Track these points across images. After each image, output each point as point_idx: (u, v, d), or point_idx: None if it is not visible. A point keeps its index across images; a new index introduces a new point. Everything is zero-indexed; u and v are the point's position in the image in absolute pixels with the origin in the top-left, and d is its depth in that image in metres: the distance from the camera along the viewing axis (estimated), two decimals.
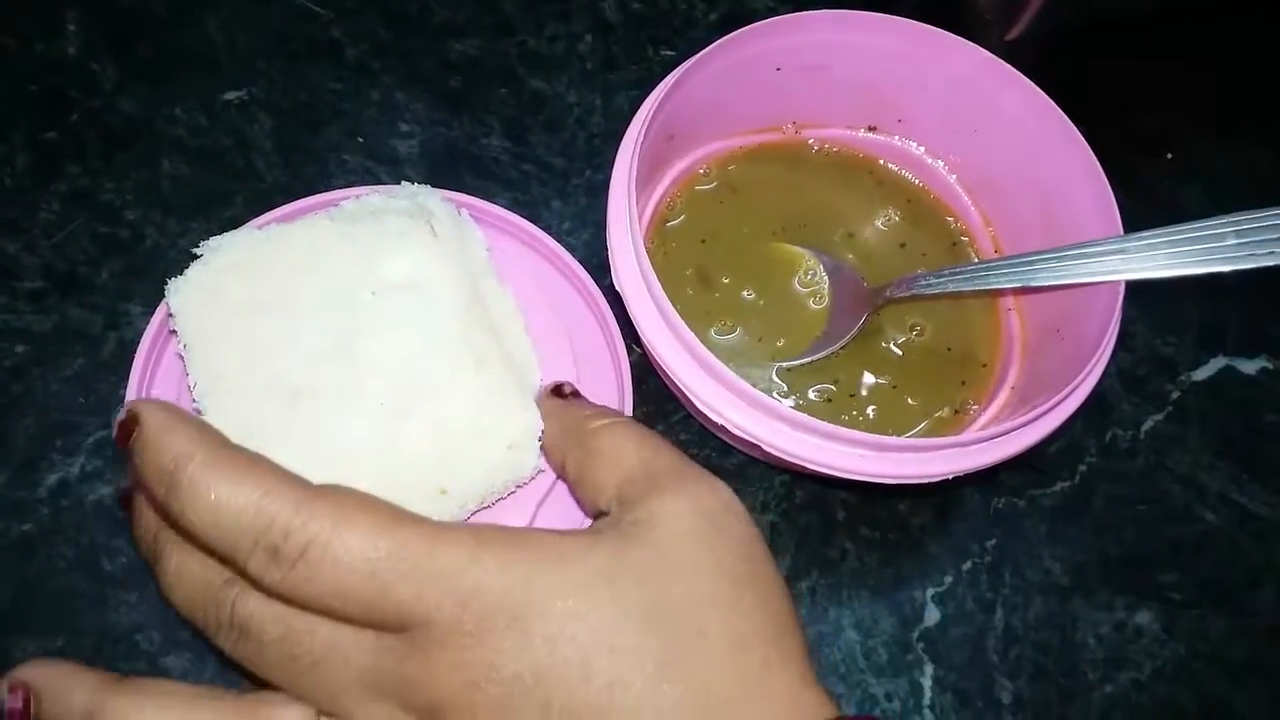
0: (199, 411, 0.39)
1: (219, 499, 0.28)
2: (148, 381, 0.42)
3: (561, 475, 0.37)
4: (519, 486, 0.40)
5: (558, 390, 0.38)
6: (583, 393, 0.43)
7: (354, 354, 0.39)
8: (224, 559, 0.29)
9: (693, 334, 0.36)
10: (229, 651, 0.30)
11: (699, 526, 0.30)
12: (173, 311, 0.39)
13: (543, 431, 0.38)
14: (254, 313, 0.40)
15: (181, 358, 0.40)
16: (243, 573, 0.28)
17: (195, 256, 0.43)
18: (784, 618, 0.29)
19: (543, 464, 0.40)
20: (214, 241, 0.41)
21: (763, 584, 0.29)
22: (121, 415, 0.30)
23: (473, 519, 0.40)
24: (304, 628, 0.28)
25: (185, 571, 0.31)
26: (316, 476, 0.37)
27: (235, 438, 0.37)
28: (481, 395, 0.39)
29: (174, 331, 0.40)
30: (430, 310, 0.40)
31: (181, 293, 0.40)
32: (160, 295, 0.43)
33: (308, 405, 0.38)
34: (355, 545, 0.27)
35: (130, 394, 0.41)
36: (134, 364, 0.41)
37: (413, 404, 0.39)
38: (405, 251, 0.41)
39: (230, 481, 0.28)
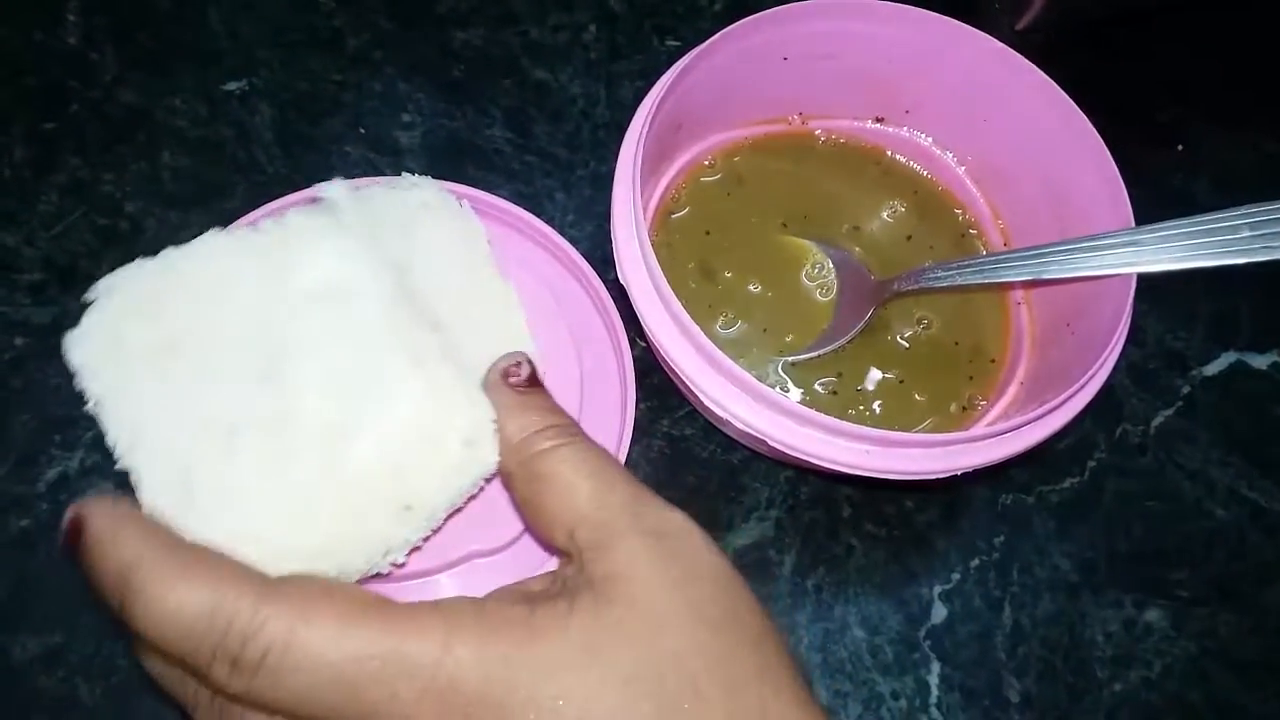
0: (125, 470, 0.34)
1: (169, 609, 0.26)
2: None
3: (506, 484, 0.34)
4: (487, 482, 0.38)
5: (509, 376, 0.34)
6: (586, 384, 0.43)
7: (283, 378, 0.36)
8: (186, 668, 0.27)
9: (698, 328, 0.35)
10: None
11: (668, 573, 0.28)
12: (74, 368, 0.35)
13: (494, 423, 0.35)
14: (165, 353, 0.36)
15: (93, 416, 0.35)
16: (206, 681, 0.27)
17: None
18: (767, 649, 0.28)
19: None
20: (104, 283, 0.37)
21: (740, 619, 0.28)
22: (66, 520, 0.28)
23: (462, 530, 0.39)
24: None
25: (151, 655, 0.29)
26: (269, 520, 0.34)
27: (172, 493, 0.33)
28: (424, 396, 0.36)
29: (79, 391, 0.36)
30: (354, 316, 0.37)
31: (80, 345, 0.35)
32: None
33: (246, 442, 0.35)
34: (316, 647, 0.25)
35: None
36: None
37: (356, 420, 0.35)
38: (315, 256, 0.37)
39: (181, 587, 0.26)
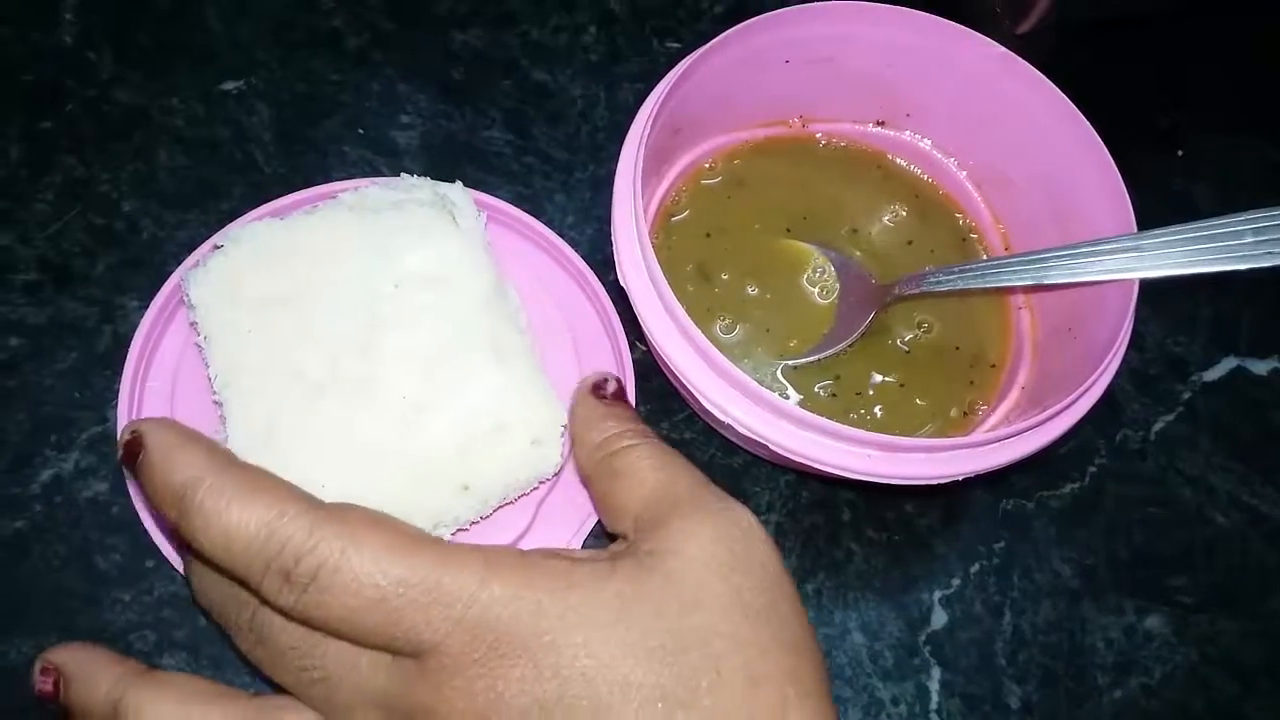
0: (219, 404, 0.38)
1: (229, 524, 0.28)
2: (141, 376, 0.41)
3: (585, 484, 0.37)
4: (541, 483, 0.40)
5: (598, 390, 0.37)
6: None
7: (376, 348, 0.39)
8: (238, 580, 0.29)
9: (699, 330, 0.35)
10: (246, 652, 0.30)
11: (716, 556, 0.29)
12: (192, 303, 0.39)
13: (564, 428, 0.38)
14: (275, 306, 0.40)
15: (199, 347, 0.39)
16: (257, 593, 0.28)
17: (202, 245, 0.43)
18: (803, 651, 0.28)
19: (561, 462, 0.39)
20: (234, 232, 0.41)
21: (781, 616, 0.29)
22: (125, 435, 0.30)
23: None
24: (317, 644, 0.28)
25: (210, 572, 0.31)
26: (338, 472, 0.37)
27: (256, 432, 0.37)
28: (505, 390, 0.39)
29: (193, 323, 0.40)
30: (453, 303, 0.40)
31: (201, 284, 0.40)
32: (156, 288, 0.42)
33: (329, 400, 0.38)
34: (364, 570, 0.27)
35: (124, 389, 0.40)
36: (127, 359, 0.41)
37: (435, 399, 0.39)
38: (428, 244, 0.41)
39: (240, 505, 0.28)
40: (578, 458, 0.37)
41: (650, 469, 0.33)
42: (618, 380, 0.38)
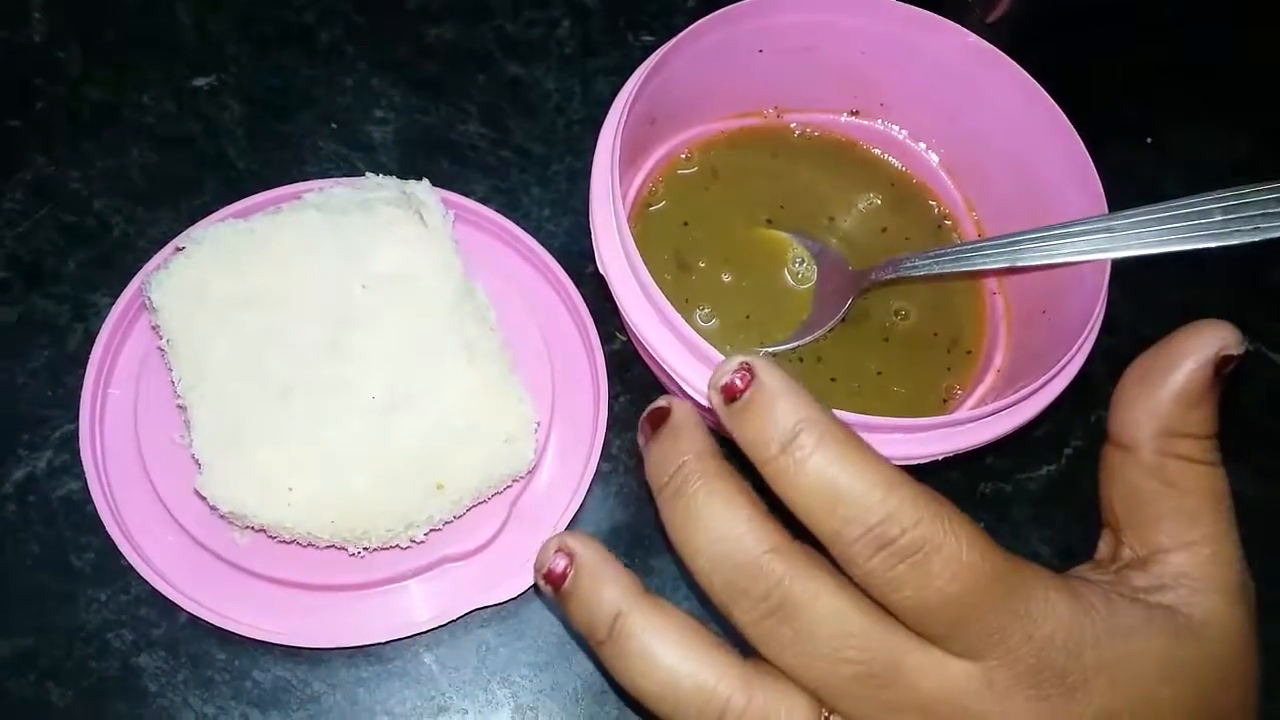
0: (183, 408, 0.38)
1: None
2: (103, 383, 0.41)
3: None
4: (515, 481, 0.40)
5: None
6: (558, 385, 0.42)
7: (344, 349, 0.39)
8: (822, 537, 0.26)
9: (679, 315, 0.35)
10: (742, 621, 0.27)
11: (1246, 643, 0.29)
12: (155, 306, 0.39)
13: (537, 425, 0.37)
14: (240, 307, 0.39)
15: (162, 351, 0.39)
16: (835, 546, 0.26)
17: (164, 247, 0.43)
18: None
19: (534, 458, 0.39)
20: (196, 233, 0.40)
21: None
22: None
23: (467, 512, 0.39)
24: (865, 633, 0.26)
25: (720, 522, 0.27)
26: (309, 474, 0.36)
27: (223, 435, 0.37)
28: (476, 388, 0.38)
29: (155, 327, 0.39)
30: (421, 302, 0.40)
31: (163, 287, 0.39)
32: (125, 285, 0.42)
33: (297, 402, 0.38)
34: (963, 558, 0.25)
35: (85, 398, 0.40)
36: (88, 367, 0.40)
37: (406, 398, 0.38)
38: (395, 243, 0.41)
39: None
40: (1131, 426, 0.31)
41: (1212, 502, 0.30)
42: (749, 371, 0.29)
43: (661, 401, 0.30)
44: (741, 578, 0.27)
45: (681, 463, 0.28)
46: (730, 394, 0.27)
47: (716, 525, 0.27)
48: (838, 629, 0.26)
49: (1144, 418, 0.30)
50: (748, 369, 0.27)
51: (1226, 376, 0.30)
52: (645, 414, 0.30)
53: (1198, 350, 0.30)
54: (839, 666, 0.26)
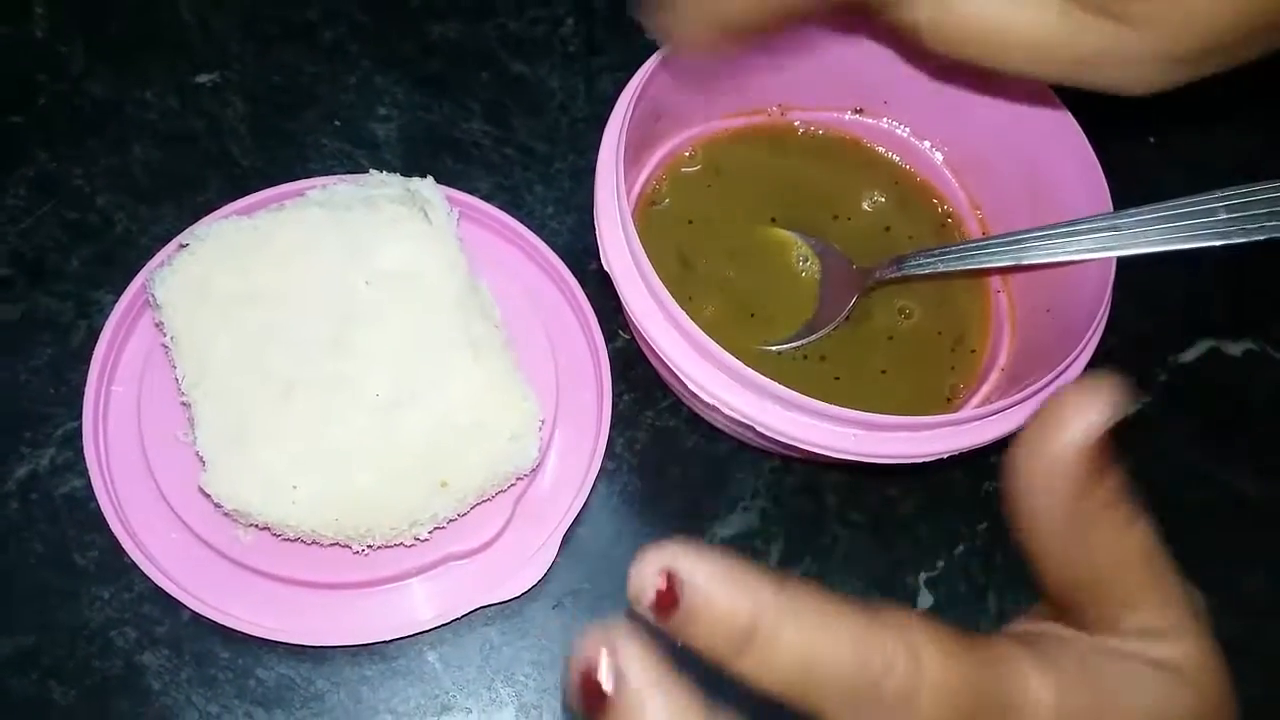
0: (187, 405, 0.38)
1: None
2: (107, 380, 0.41)
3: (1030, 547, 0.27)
4: (519, 478, 0.39)
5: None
6: (562, 382, 0.42)
7: (349, 345, 0.39)
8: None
9: (684, 312, 0.35)
10: None
11: (1229, 684, 0.28)
12: (159, 303, 0.38)
13: (541, 423, 0.37)
14: (244, 304, 0.39)
15: (166, 348, 0.39)
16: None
17: (168, 244, 0.42)
18: None
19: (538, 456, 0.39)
20: (200, 230, 0.40)
21: None
22: (664, 579, 0.23)
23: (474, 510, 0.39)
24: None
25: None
26: (313, 471, 0.36)
27: (226, 432, 0.37)
28: (481, 385, 0.38)
29: (159, 324, 0.39)
30: (425, 299, 0.40)
31: (167, 284, 0.39)
32: (129, 282, 0.42)
33: (301, 398, 0.38)
34: (948, 683, 0.24)
35: (89, 396, 0.40)
36: (91, 364, 0.40)
37: (411, 395, 0.38)
38: (399, 240, 0.40)
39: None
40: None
41: (1148, 537, 0.27)
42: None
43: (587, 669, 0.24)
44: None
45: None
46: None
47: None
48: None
49: (1052, 483, 0.26)
50: (669, 575, 0.24)
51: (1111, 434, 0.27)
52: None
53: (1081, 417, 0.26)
54: None
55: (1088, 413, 0.25)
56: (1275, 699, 0.31)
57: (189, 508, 0.38)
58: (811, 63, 0.45)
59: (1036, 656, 0.26)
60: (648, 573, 0.24)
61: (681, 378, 0.36)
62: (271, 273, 0.40)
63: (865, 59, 0.45)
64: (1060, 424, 0.25)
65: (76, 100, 0.49)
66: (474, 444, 0.38)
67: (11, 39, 0.50)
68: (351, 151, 0.49)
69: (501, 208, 0.45)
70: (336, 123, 0.49)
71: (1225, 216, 0.36)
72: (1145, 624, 0.27)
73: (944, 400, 0.43)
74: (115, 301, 0.42)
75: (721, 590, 0.23)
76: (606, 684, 0.23)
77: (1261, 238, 0.35)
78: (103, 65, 0.49)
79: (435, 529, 0.38)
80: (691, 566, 0.24)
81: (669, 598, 0.23)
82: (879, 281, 0.43)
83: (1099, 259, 0.38)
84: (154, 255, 0.42)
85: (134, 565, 0.38)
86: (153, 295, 0.39)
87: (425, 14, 0.53)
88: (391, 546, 0.38)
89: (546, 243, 0.44)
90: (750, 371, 0.35)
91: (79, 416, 0.40)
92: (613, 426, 0.42)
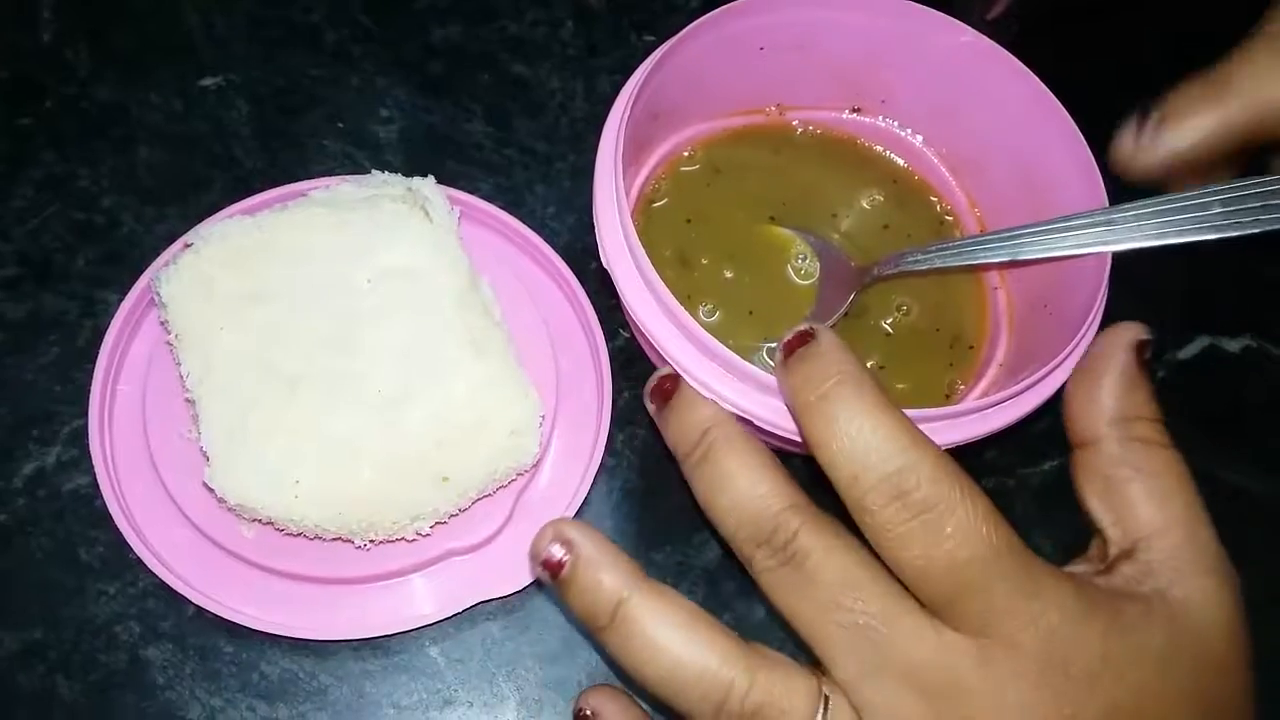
0: (191, 402, 0.38)
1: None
2: (112, 379, 0.41)
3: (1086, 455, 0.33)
4: (520, 474, 0.40)
5: (1141, 351, 0.33)
6: (563, 380, 0.43)
7: (352, 342, 0.39)
8: (840, 482, 0.28)
9: (683, 309, 0.36)
10: (759, 569, 0.29)
11: (1237, 625, 0.29)
12: (163, 302, 0.39)
13: (542, 419, 0.37)
14: (247, 303, 0.39)
15: (171, 346, 0.39)
16: (852, 492, 0.27)
17: (173, 244, 0.43)
18: None
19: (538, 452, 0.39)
20: (204, 230, 0.41)
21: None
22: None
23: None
24: (868, 587, 0.27)
25: (745, 484, 0.29)
26: (316, 467, 0.37)
27: (230, 429, 0.37)
28: (482, 382, 0.39)
29: (164, 322, 0.39)
30: (428, 297, 0.40)
31: (172, 283, 0.39)
32: (134, 282, 0.42)
33: (304, 395, 0.38)
34: (977, 526, 0.26)
35: (94, 393, 0.40)
36: (97, 363, 0.41)
37: (413, 392, 0.38)
38: (401, 239, 0.41)
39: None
40: (1087, 421, 0.33)
41: (1179, 483, 0.31)
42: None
43: (665, 370, 0.32)
44: (762, 531, 0.28)
45: (704, 431, 0.30)
46: (554, 566, 0.29)
47: (741, 487, 0.29)
48: (843, 578, 0.27)
49: (1096, 411, 0.32)
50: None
51: (1148, 361, 0.33)
52: (651, 384, 0.32)
53: (1117, 344, 0.33)
54: (838, 614, 0.27)
55: (1121, 340, 0.32)
56: (1275, 696, 0.31)
57: (193, 504, 0.39)
58: (809, 62, 0.46)
59: (1069, 575, 0.28)
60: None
61: (682, 373, 0.36)
62: (275, 272, 0.40)
63: (863, 56, 0.45)
64: (1100, 351, 0.32)
65: (83, 103, 0.49)
66: (475, 440, 0.38)
67: (20, 43, 0.50)
68: (354, 152, 0.49)
69: (502, 208, 0.45)
70: (339, 124, 0.50)
71: (1220, 210, 0.36)
72: (1163, 553, 0.30)
73: (942, 397, 0.43)
74: (121, 301, 0.42)
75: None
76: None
77: (1257, 231, 0.35)
78: (109, 69, 0.50)
79: (436, 524, 0.38)
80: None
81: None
82: (877, 278, 0.43)
83: (1094, 254, 0.38)
84: (159, 255, 0.43)
85: (139, 561, 0.38)
86: (158, 294, 0.39)
87: (427, 17, 0.53)
88: (393, 541, 0.39)
89: (547, 242, 0.45)
90: (749, 366, 0.35)
91: (85, 414, 0.41)
92: (613, 423, 0.42)
